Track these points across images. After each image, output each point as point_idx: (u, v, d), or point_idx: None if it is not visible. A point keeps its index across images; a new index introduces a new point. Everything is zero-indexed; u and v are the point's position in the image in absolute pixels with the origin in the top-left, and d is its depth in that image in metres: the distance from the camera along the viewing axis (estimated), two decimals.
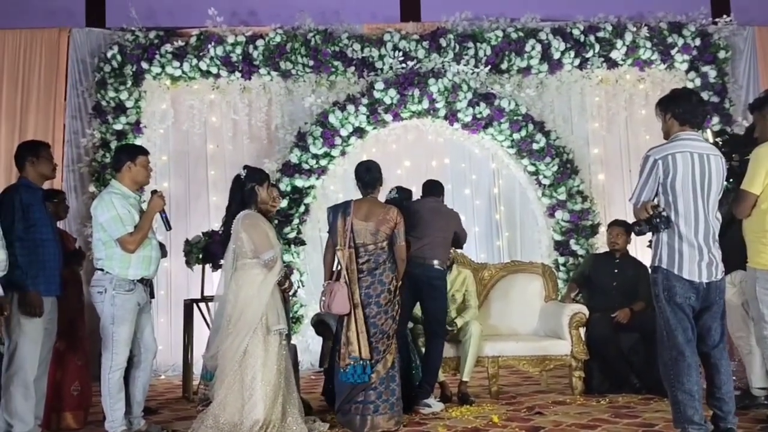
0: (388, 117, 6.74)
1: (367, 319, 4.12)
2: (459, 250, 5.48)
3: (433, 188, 5.13)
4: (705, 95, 6.94)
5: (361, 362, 4.05)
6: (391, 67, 6.80)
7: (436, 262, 4.71)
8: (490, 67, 6.91)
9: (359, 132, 6.78)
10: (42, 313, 3.65)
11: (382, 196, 4.78)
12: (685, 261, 3.32)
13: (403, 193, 5.06)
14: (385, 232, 4.21)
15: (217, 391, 3.82)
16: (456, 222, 4.94)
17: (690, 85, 7.04)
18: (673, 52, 7.03)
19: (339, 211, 4.29)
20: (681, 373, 3.27)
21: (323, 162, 6.72)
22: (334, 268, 4.28)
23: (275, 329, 3.87)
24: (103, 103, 6.71)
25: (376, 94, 6.64)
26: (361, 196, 4.42)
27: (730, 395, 3.37)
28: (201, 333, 5.56)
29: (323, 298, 4.22)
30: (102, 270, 3.93)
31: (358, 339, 4.07)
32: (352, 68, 6.83)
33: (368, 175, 4.37)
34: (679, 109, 3.44)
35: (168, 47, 6.75)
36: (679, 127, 3.44)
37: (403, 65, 6.75)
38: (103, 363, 3.90)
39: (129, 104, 6.73)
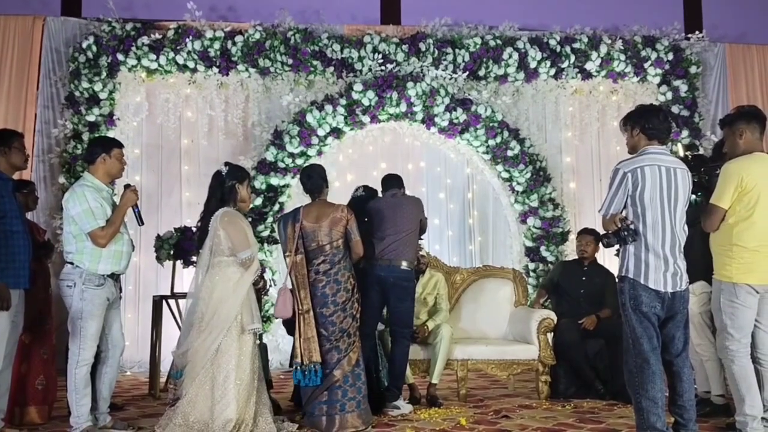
0: (366, 118, 6.77)
1: (325, 318, 4.14)
2: (432, 254, 5.51)
3: (391, 182, 5.03)
4: (675, 109, 7.11)
5: (311, 366, 4.07)
6: (370, 69, 6.82)
7: (404, 263, 4.65)
8: (467, 73, 6.98)
9: (336, 132, 6.79)
10: (9, 307, 3.60)
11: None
12: (651, 271, 3.40)
13: (368, 192, 5.05)
14: (339, 230, 4.24)
15: (186, 388, 3.80)
16: (419, 210, 4.86)
17: (661, 99, 7.20)
18: (646, 65, 7.18)
19: (288, 220, 4.34)
20: (645, 380, 3.35)
21: (299, 161, 6.71)
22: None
23: (250, 328, 3.86)
24: (77, 93, 6.61)
25: (355, 95, 6.66)
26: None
27: (692, 403, 3.45)
28: (169, 330, 5.51)
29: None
30: (72, 264, 3.89)
31: (303, 344, 4.10)
32: (331, 68, 6.84)
33: (309, 181, 4.43)
34: (649, 125, 3.53)
35: (145, 39, 6.68)
36: (647, 142, 3.53)
37: (382, 68, 6.78)
38: (70, 358, 3.85)
39: (103, 95, 6.65)
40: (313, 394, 4.13)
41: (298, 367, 4.10)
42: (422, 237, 5.14)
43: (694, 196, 4.00)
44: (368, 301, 4.61)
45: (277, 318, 4.31)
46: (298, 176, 4.59)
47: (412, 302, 4.75)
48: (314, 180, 4.41)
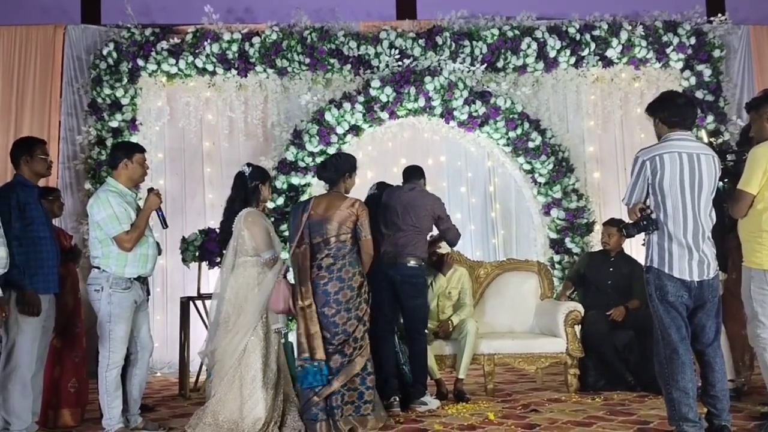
0: (385, 115, 6.75)
1: (327, 318, 3.92)
2: (455, 248, 5.47)
3: (410, 174, 5.00)
4: (699, 94, 6.98)
5: (315, 364, 3.85)
6: (387, 65, 6.80)
7: (411, 260, 4.61)
8: (486, 65, 6.92)
9: (355, 130, 6.79)
10: (40, 312, 3.65)
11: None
12: (675, 260, 3.36)
13: (383, 188, 5.04)
14: (347, 225, 4.04)
15: (215, 388, 3.84)
16: (433, 207, 4.75)
17: (685, 84, 7.08)
18: (668, 50, 7.06)
19: (299, 209, 4.17)
20: (675, 370, 3.30)
21: (319, 160, 6.70)
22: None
23: (274, 328, 3.88)
24: (99, 100, 6.69)
25: (372, 92, 6.65)
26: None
27: (725, 392, 3.40)
28: (197, 330, 5.56)
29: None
30: (99, 268, 3.94)
31: (309, 340, 3.88)
32: (349, 66, 6.83)
33: (325, 172, 4.28)
34: (666, 113, 3.49)
35: (164, 44, 6.73)
36: (669, 130, 3.49)
37: (399, 63, 6.76)
38: (101, 361, 3.91)
39: (125, 101, 6.72)
40: (311, 400, 3.92)
41: (306, 364, 3.88)
42: (452, 246, 5.09)
43: (721, 183, 3.93)
44: (381, 301, 4.60)
45: (272, 311, 4.01)
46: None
47: (424, 299, 4.71)
48: (329, 172, 4.25)
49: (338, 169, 4.23)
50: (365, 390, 3.95)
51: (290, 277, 4.12)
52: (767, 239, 3.53)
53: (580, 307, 5.20)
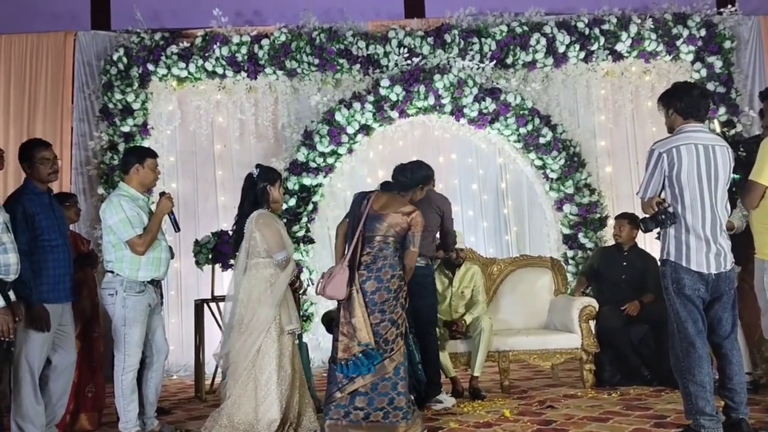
0: (395, 114, 6.74)
1: (375, 305, 3.86)
2: (467, 246, 5.46)
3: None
4: (711, 86, 6.91)
5: (371, 350, 3.76)
6: (396, 64, 6.80)
7: (418, 259, 4.47)
8: (495, 61, 6.90)
9: (366, 129, 6.79)
10: (49, 328, 3.58)
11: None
12: (692, 253, 3.32)
13: (387, 186, 5.02)
14: (396, 230, 3.97)
15: (230, 390, 3.84)
16: (438, 206, 4.72)
17: (696, 76, 7.02)
18: (678, 43, 7.00)
19: (362, 199, 4.11)
20: (692, 364, 3.28)
21: (330, 160, 6.73)
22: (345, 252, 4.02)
23: (288, 329, 3.88)
24: (110, 105, 6.74)
25: (382, 91, 6.64)
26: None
27: (742, 385, 3.37)
28: (212, 333, 5.59)
29: (321, 280, 4.00)
30: (112, 272, 3.95)
31: (365, 325, 3.80)
32: (358, 66, 6.83)
33: (400, 175, 4.32)
34: (681, 104, 3.45)
35: (173, 48, 6.76)
36: (683, 121, 3.45)
37: (408, 62, 6.75)
38: (116, 365, 3.92)
39: (136, 106, 6.76)
40: (333, 395, 3.84)
41: (365, 348, 3.77)
42: (451, 250, 5.03)
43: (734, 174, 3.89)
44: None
45: (327, 298, 3.96)
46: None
47: (432, 297, 4.68)
48: (404, 177, 4.31)
49: (413, 177, 4.30)
50: (396, 395, 3.79)
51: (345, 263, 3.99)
52: None
53: (594, 303, 5.18)
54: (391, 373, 3.82)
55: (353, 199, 4.21)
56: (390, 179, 5.15)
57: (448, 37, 6.83)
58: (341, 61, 6.79)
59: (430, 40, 6.83)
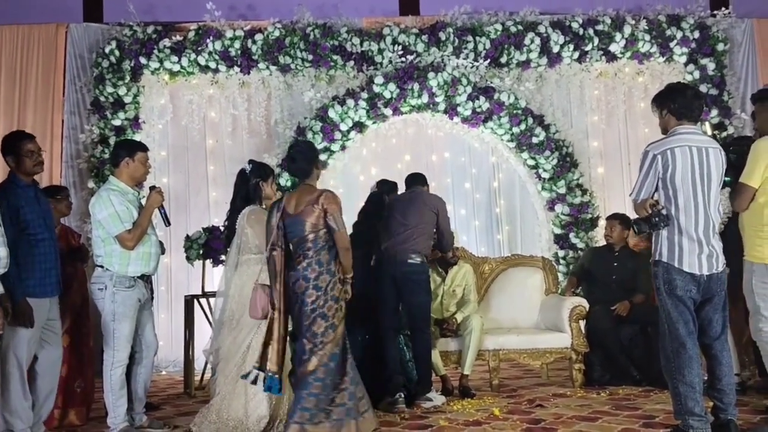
0: (388, 111, 6.74)
1: (305, 305, 3.63)
2: (459, 245, 5.48)
3: (412, 180, 5.02)
4: (703, 88, 6.95)
5: (269, 374, 3.55)
6: (390, 61, 6.79)
7: (412, 256, 4.59)
8: (489, 60, 6.90)
9: (359, 126, 6.78)
10: (33, 324, 3.54)
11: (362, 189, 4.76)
12: (685, 254, 3.34)
13: (385, 186, 5.04)
14: (316, 222, 3.67)
15: (220, 386, 3.84)
16: (433, 204, 4.70)
17: (689, 78, 7.05)
18: (671, 44, 7.03)
19: (274, 208, 3.82)
20: (682, 365, 3.30)
21: (323, 157, 6.70)
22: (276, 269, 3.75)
23: None
24: (102, 98, 6.69)
25: (376, 89, 6.63)
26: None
27: (731, 387, 3.39)
28: (202, 329, 5.58)
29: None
30: (102, 267, 3.94)
31: (266, 348, 3.60)
32: (352, 62, 6.82)
33: (293, 164, 3.88)
34: (675, 104, 3.47)
35: (166, 42, 6.73)
36: (677, 122, 3.47)
37: (403, 59, 6.75)
38: (105, 360, 3.91)
39: (127, 99, 6.72)
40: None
41: (256, 371, 3.59)
42: (449, 250, 5.04)
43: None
44: (383, 298, 4.63)
45: (252, 318, 3.77)
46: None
47: (426, 295, 4.68)
48: (300, 162, 3.85)
49: (308, 157, 3.87)
50: (336, 394, 3.58)
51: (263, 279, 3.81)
52: None
53: (584, 302, 5.20)
54: (320, 369, 3.58)
55: (268, 212, 3.91)
56: (383, 178, 5.20)
57: (442, 35, 6.83)
58: (335, 57, 6.77)
59: (424, 37, 6.83)
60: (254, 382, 3.57)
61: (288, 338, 3.76)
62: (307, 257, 3.67)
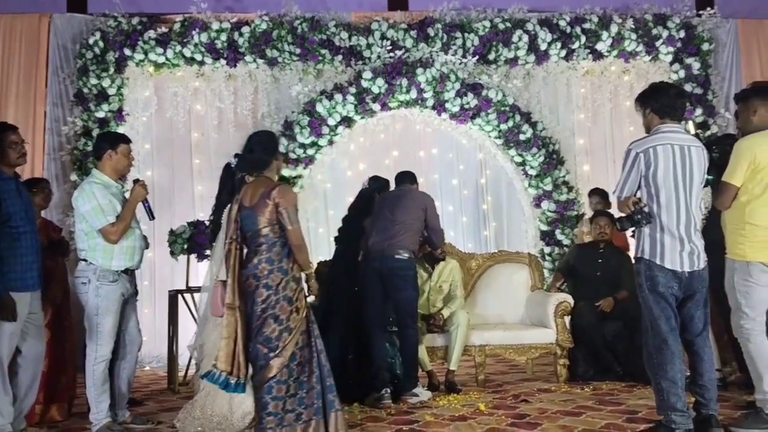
0: (376, 106, 6.75)
1: (255, 305, 3.49)
2: (446, 241, 5.49)
3: (402, 178, 5.06)
4: (688, 87, 7.03)
5: (223, 376, 3.40)
6: (378, 56, 6.79)
7: (399, 252, 4.59)
8: (477, 57, 6.93)
9: (347, 121, 6.78)
10: (15, 318, 3.50)
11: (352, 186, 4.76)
12: (666, 251, 3.38)
13: (376, 183, 5.05)
14: (269, 216, 3.52)
15: (204, 382, 3.81)
16: (421, 201, 4.71)
17: (674, 77, 7.12)
18: (657, 43, 7.10)
19: (235, 199, 3.67)
20: (665, 361, 3.34)
21: (310, 151, 6.71)
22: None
23: None
24: (85, 90, 6.64)
25: (364, 83, 6.64)
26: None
27: (713, 382, 3.44)
28: (186, 324, 5.54)
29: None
30: (85, 261, 3.90)
31: (227, 347, 3.41)
32: (340, 57, 6.82)
33: (250, 154, 3.68)
34: (657, 103, 3.51)
35: (151, 33, 6.68)
36: (660, 121, 3.51)
37: (391, 54, 6.75)
38: (88, 354, 3.88)
39: (111, 91, 6.67)
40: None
41: (216, 371, 3.42)
42: (439, 247, 5.07)
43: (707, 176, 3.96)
44: (369, 294, 4.64)
45: (214, 316, 3.61)
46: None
47: (413, 290, 4.67)
48: (258, 153, 3.67)
49: (267, 148, 3.69)
50: (305, 394, 3.48)
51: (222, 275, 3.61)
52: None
53: (569, 299, 5.24)
54: (290, 358, 3.46)
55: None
56: (374, 174, 5.21)
57: (431, 31, 6.84)
58: (323, 51, 6.76)
59: (413, 33, 6.84)
60: (224, 386, 3.43)
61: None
62: (258, 253, 3.52)
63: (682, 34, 7.11)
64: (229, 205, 3.91)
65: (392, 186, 5.13)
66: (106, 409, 3.89)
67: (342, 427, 3.53)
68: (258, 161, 3.67)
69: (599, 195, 6.41)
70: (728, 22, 7.44)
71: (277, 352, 3.44)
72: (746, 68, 7.42)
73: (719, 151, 4.04)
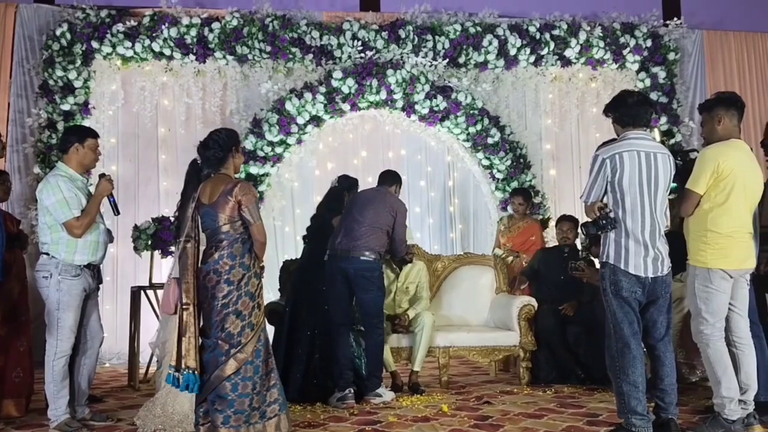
0: (346, 106, 6.72)
1: (216, 300, 3.44)
2: (413, 242, 5.50)
3: (383, 178, 5.05)
4: (654, 95, 7.14)
5: (185, 372, 3.37)
6: (349, 56, 6.77)
7: (366, 253, 4.57)
8: (447, 60, 6.95)
9: (316, 120, 6.74)
10: None
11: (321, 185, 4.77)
12: (631, 256, 3.42)
13: (346, 181, 5.03)
14: (230, 213, 3.50)
15: (165, 380, 3.75)
16: (392, 203, 4.70)
17: (640, 85, 7.23)
18: (625, 52, 7.20)
19: (191, 197, 3.63)
20: (626, 364, 3.37)
21: (279, 150, 6.66)
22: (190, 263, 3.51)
23: None
24: (51, 82, 6.50)
25: (334, 83, 6.61)
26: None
27: (673, 387, 3.48)
28: (148, 321, 5.46)
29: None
30: (48, 254, 3.85)
31: (181, 345, 3.41)
32: (310, 56, 6.78)
33: (208, 150, 3.65)
34: (618, 113, 3.57)
35: (120, 27, 6.56)
36: (623, 129, 3.55)
37: (362, 55, 6.74)
38: (48, 350, 3.81)
39: (77, 84, 6.54)
40: (198, 398, 3.50)
41: (171, 371, 3.43)
42: (399, 257, 5.00)
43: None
44: (335, 294, 4.61)
45: (163, 313, 3.61)
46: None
47: (378, 292, 4.65)
48: (214, 149, 3.63)
49: (224, 144, 3.65)
50: (267, 392, 3.47)
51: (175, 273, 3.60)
52: (712, 239, 3.62)
53: (533, 302, 5.28)
54: (254, 355, 3.46)
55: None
56: (343, 173, 5.17)
57: (402, 33, 6.84)
58: (294, 49, 6.72)
59: (384, 34, 6.84)
60: (177, 384, 3.41)
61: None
62: (219, 249, 3.49)
63: (648, 43, 7.23)
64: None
65: (363, 185, 5.11)
66: (64, 406, 3.83)
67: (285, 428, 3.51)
68: (212, 158, 3.64)
69: (522, 195, 6.30)
70: (694, 33, 7.59)
71: (239, 348, 3.42)
72: (711, 78, 7.57)
73: (683, 159, 4.10)
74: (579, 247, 5.58)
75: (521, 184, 6.95)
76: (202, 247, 3.59)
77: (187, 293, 3.46)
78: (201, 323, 3.52)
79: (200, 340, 3.48)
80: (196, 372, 3.39)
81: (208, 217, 3.54)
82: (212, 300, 3.46)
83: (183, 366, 3.39)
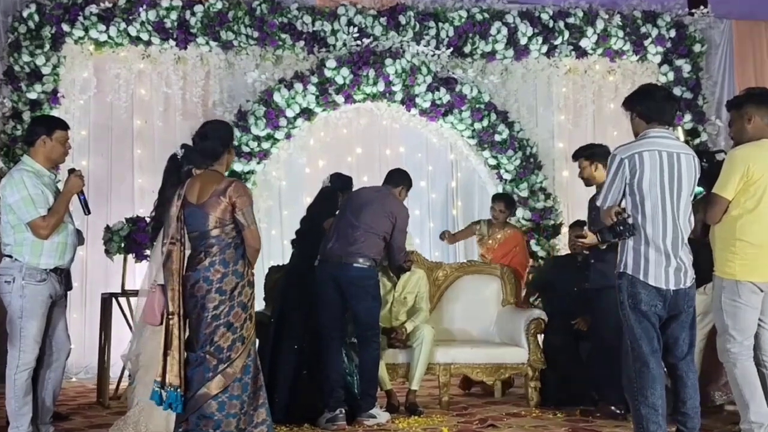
0: (340, 98, 6.73)
1: (206, 311, 3.43)
2: (412, 249, 5.49)
3: (388, 177, 5.08)
4: (678, 90, 7.15)
5: (169, 390, 3.37)
6: (344, 44, 6.78)
7: (359, 260, 4.58)
8: (452, 49, 6.96)
9: (307, 113, 6.75)
10: None
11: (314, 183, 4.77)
12: (651, 266, 3.40)
13: (339, 181, 5.03)
14: (221, 215, 3.47)
15: (139, 396, 3.75)
16: (391, 208, 4.71)
17: (663, 80, 7.24)
18: (646, 42, 7.21)
19: (176, 196, 3.59)
20: (645, 385, 3.36)
21: (265, 145, 6.66)
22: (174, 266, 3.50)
23: None
24: (16, 68, 6.49)
25: (327, 73, 6.61)
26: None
27: (696, 410, 3.47)
28: (120, 331, 5.46)
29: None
30: (11, 257, 3.84)
31: (166, 359, 3.40)
32: (302, 43, 6.78)
33: (204, 142, 3.62)
34: (643, 107, 3.54)
35: (93, 8, 6.55)
36: (646, 126, 3.54)
37: (358, 42, 6.74)
38: (9, 361, 3.80)
39: (46, 70, 6.54)
40: (179, 417, 3.48)
41: (157, 387, 3.41)
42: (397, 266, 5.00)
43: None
44: (325, 303, 4.61)
45: (147, 324, 3.60)
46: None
47: (373, 302, 4.67)
48: (211, 141, 3.61)
49: (223, 137, 3.65)
50: (254, 412, 3.48)
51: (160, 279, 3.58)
52: (740, 248, 3.62)
53: (543, 315, 5.28)
54: (243, 371, 3.46)
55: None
56: (336, 172, 5.17)
57: (402, 19, 6.86)
58: (284, 36, 6.73)
59: (382, 20, 6.85)
60: (160, 402, 3.39)
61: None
62: (209, 255, 3.46)
63: (672, 33, 7.24)
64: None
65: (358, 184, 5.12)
66: (27, 423, 3.81)
67: None
68: (210, 151, 3.62)
69: (504, 201, 6.29)
70: (722, 23, 7.59)
71: (228, 363, 3.42)
72: (740, 72, 7.58)
73: (708, 160, 4.10)
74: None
75: (531, 186, 6.96)
76: (188, 252, 3.57)
77: (172, 301, 3.44)
78: (186, 335, 3.50)
79: (185, 354, 3.46)
80: (179, 390, 3.37)
81: (195, 218, 3.52)
82: (201, 311, 3.44)
83: (167, 383, 3.37)
